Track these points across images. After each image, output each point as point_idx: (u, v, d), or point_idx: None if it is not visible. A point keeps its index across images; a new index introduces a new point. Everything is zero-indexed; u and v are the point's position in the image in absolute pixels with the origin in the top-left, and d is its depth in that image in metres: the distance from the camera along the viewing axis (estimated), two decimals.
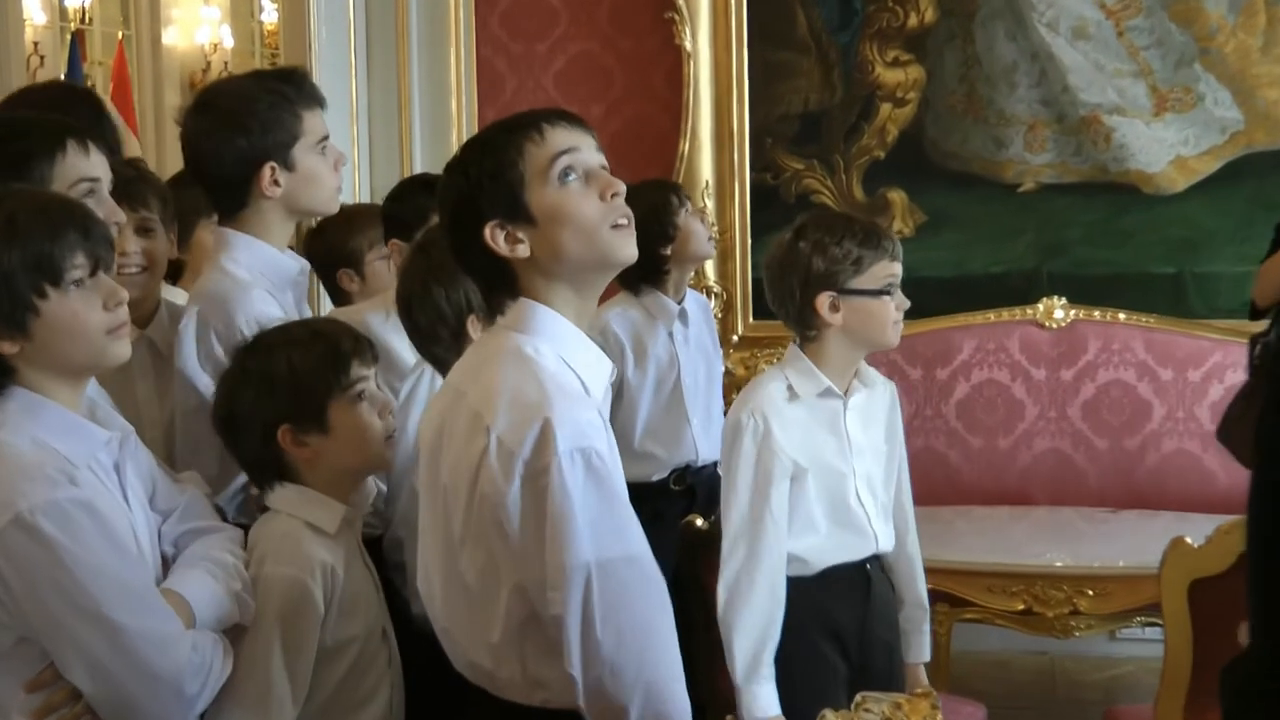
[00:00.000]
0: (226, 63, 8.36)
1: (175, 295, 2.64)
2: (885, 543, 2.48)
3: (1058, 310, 3.99)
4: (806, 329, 2.42)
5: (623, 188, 1.67)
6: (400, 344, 2.63)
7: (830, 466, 2.42)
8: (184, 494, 1.92)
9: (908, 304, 2.40)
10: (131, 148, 5.15)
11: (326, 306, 3.24)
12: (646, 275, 3.27)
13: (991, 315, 4.05)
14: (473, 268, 1.71)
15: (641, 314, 3.32)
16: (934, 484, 3.92)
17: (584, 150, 1.66)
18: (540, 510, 1.56)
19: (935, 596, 3.31)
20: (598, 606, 1.56)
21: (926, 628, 2.60)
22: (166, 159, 6.27)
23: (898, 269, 2.39)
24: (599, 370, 1.70)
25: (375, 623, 2.04)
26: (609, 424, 1.70)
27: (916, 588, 2.58)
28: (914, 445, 3.95)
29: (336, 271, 3.06)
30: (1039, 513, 3.86)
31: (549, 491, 1.55)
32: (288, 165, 2.25)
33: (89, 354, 1.72)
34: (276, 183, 2.25)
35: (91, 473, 1.72)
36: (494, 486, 1.58)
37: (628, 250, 1.67)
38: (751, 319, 4.23)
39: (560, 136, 1.65)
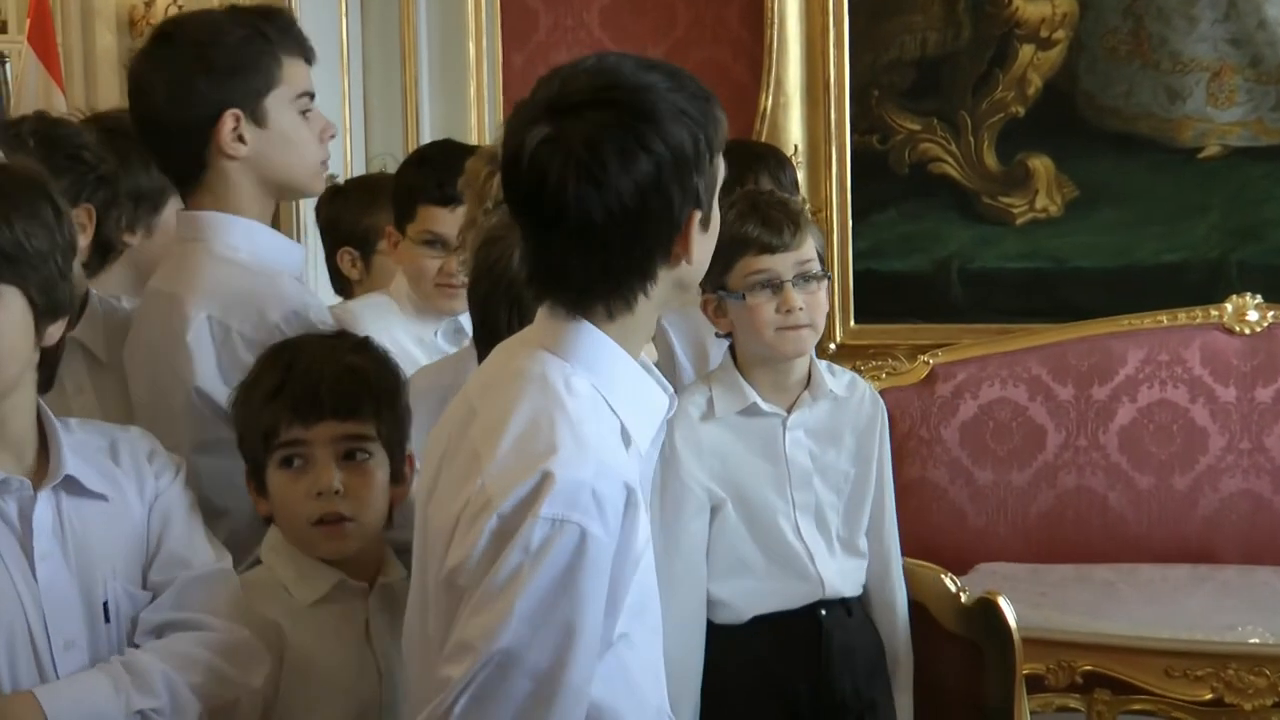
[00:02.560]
0: None
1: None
2: (839, 586, 2.60)
3: (1251, 311, 3.96)
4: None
5: None
6: (410, 342, 2.74)
7: (758, 497, 2.55)
8: (189, 569, 1.92)
9: (793, 303, 2.48)
10: (55, 102, 5.26)
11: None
12: None
13: (1164, 318, 4.01)
14: (610, 257, 1.64)
15: (701, 312, 3.34)
16: (1089, 535, 3.90)
17: None
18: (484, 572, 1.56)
19: (1094, 680, 3.33)
20: (480, 698, 1.55)
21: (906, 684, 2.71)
22: None
23: (774, 264, 2.49)
24: (652, 410, 1.71)
25: None
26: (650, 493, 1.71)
27: (895, 645, 2.70)
28: (1063, 484, 3.94)
29: (339, 249, 3.19)
30: (1228, 573, 3.83)
31: (504, 553, 1.55)
32: (256, 118, 2.25)
33: None
34: (241, 138, 2.24)
35: None
36: (462, 546, 1.59)
37: None
38: (853, 322, 4.27)
39: None
